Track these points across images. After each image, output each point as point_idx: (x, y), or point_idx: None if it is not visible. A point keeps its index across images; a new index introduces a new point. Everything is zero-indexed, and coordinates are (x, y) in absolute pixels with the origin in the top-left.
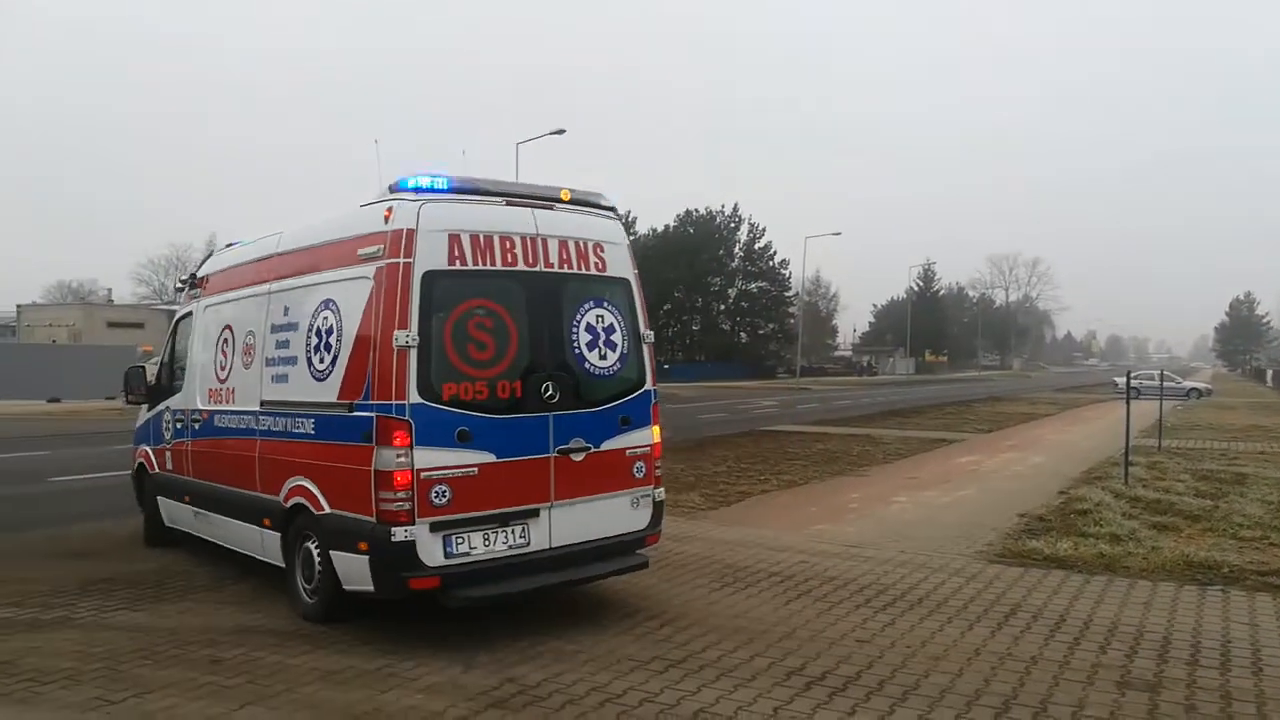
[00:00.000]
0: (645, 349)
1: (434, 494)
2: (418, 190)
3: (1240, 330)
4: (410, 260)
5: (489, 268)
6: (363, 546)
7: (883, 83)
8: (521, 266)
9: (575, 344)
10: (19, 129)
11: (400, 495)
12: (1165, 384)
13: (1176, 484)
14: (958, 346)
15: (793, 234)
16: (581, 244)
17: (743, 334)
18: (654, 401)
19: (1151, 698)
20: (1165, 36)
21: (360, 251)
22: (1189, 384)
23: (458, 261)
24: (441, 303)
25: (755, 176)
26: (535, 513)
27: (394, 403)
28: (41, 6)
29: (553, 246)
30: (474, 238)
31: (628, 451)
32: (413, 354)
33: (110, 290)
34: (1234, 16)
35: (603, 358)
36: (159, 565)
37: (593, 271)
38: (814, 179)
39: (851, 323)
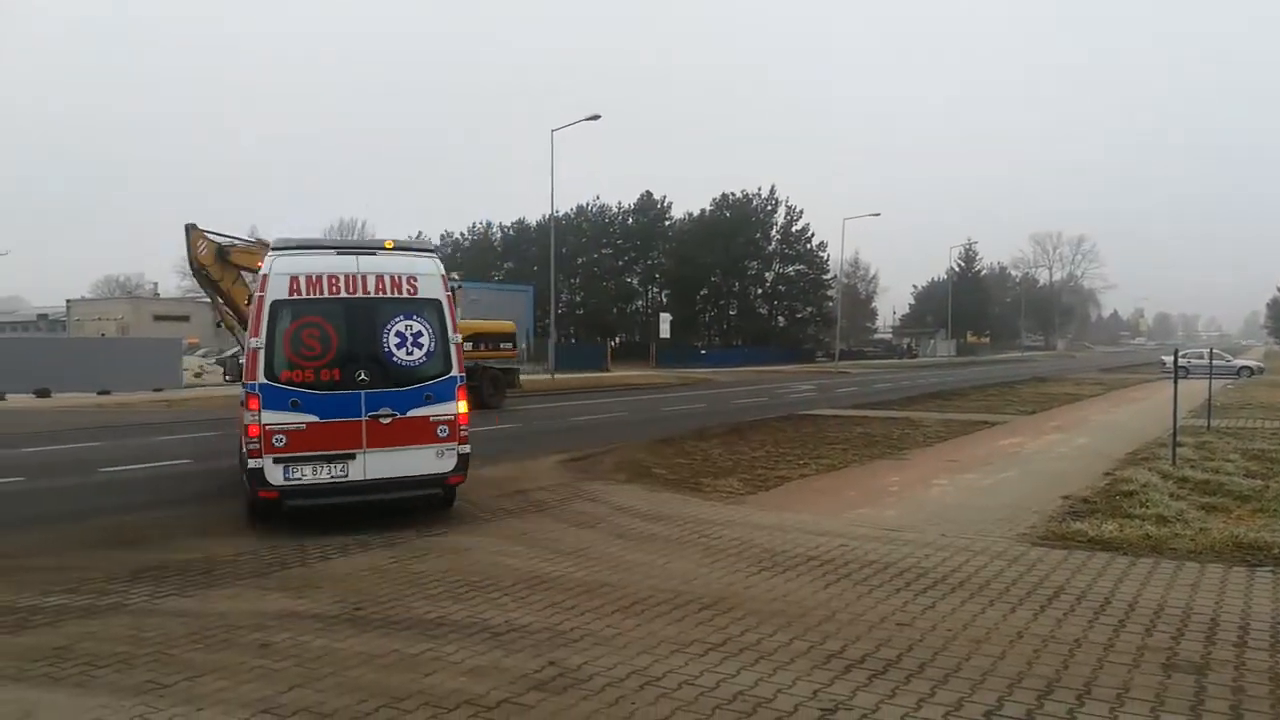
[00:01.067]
0: (453, 348)
1: (275, 440)
2: (275, 249)
3: None
4: (264, 294)
5: (317, 296)
6: (242, 470)
7: (921, 63)
8: (343, 294)
9: (386, 345)
10: (54, 135)
11: (253, 440)
12: (1215, 362)
13: (1226, 464)
14: (1000, 327)
15: (831, 216)
16: (396, 277)
17: (780, 318)
18: (459, 385)
19: (1198, 680)
20: (1216, 7)
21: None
22: (1239, 362)
23: (295, 293)
24: (282, 319)
25: (793, 159)
26: (352, 455)
27: (250, 382)
28: (41, 6)
29: (370, 280)
30: (308, 278)
31: (431, 418)
32: (261, 353)
33: (156, 284)
34: None
35: (409, 354)
36: (208, 554)
37: (404, 295)
38: (854, 161)
39: (891, 305)
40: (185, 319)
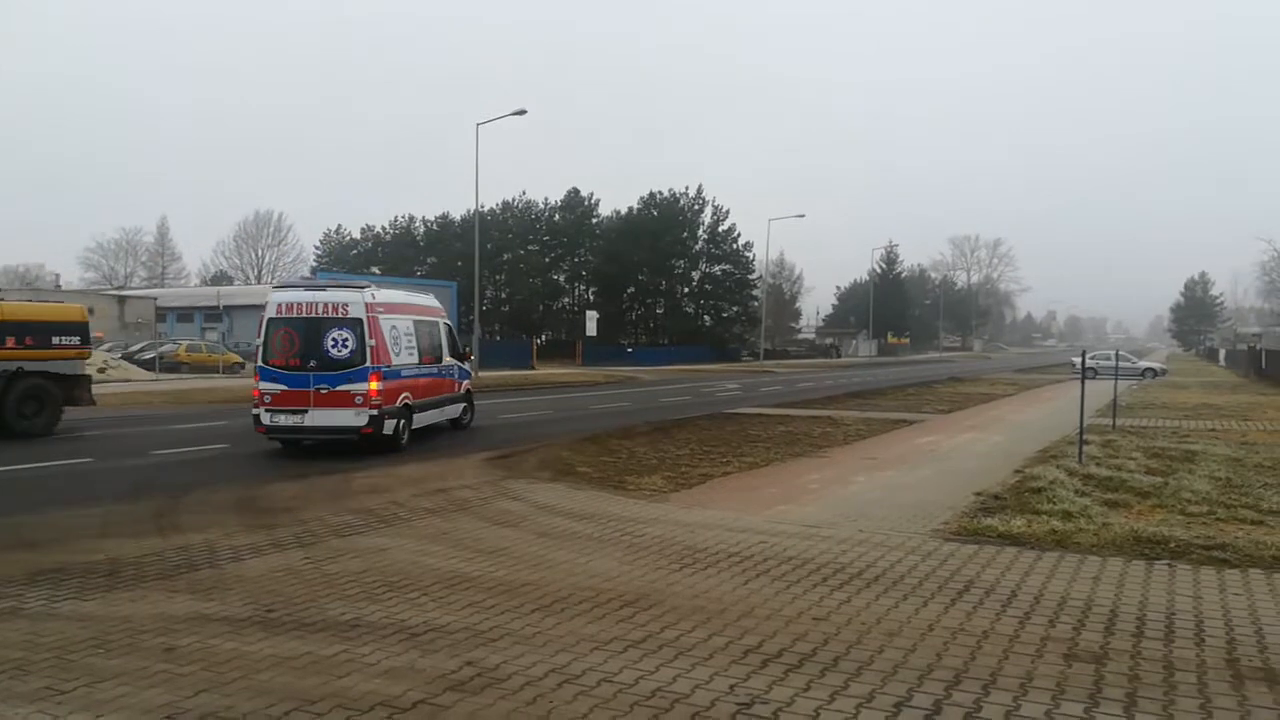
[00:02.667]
0: (368, 349)
1: (264, 398)
2: (275, 287)
3: (1194, 310)
4: (264, 314)
5: (291, 315)
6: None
7: (849, 60)
8: (304, 315)
9: (325, 346)
10: None
11: (255, 398)
12: (1121, 364)
13: (1129, 462)
14: (920, 328)
15: (757, 216)
16: (334, 304)
17: (706, 317)
18: (370, 372)
19: (1097, 669)
20: (1126, 19)
21: None
22: (1144, 364)
23: (279, 313)
24: (270, 329)
25: (720, 159)
26: (304, 410)
27: (257, 365)
28: None
29: (319, 306)
30: (287, 304)
31: (351, 391)
32: (261, 349)
33: (58, 275)
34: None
35: (339, 352)
36: (111, 555)
37: (338, 316)
38: (778, 161)
39: (815, 305)
40: (89, 312)
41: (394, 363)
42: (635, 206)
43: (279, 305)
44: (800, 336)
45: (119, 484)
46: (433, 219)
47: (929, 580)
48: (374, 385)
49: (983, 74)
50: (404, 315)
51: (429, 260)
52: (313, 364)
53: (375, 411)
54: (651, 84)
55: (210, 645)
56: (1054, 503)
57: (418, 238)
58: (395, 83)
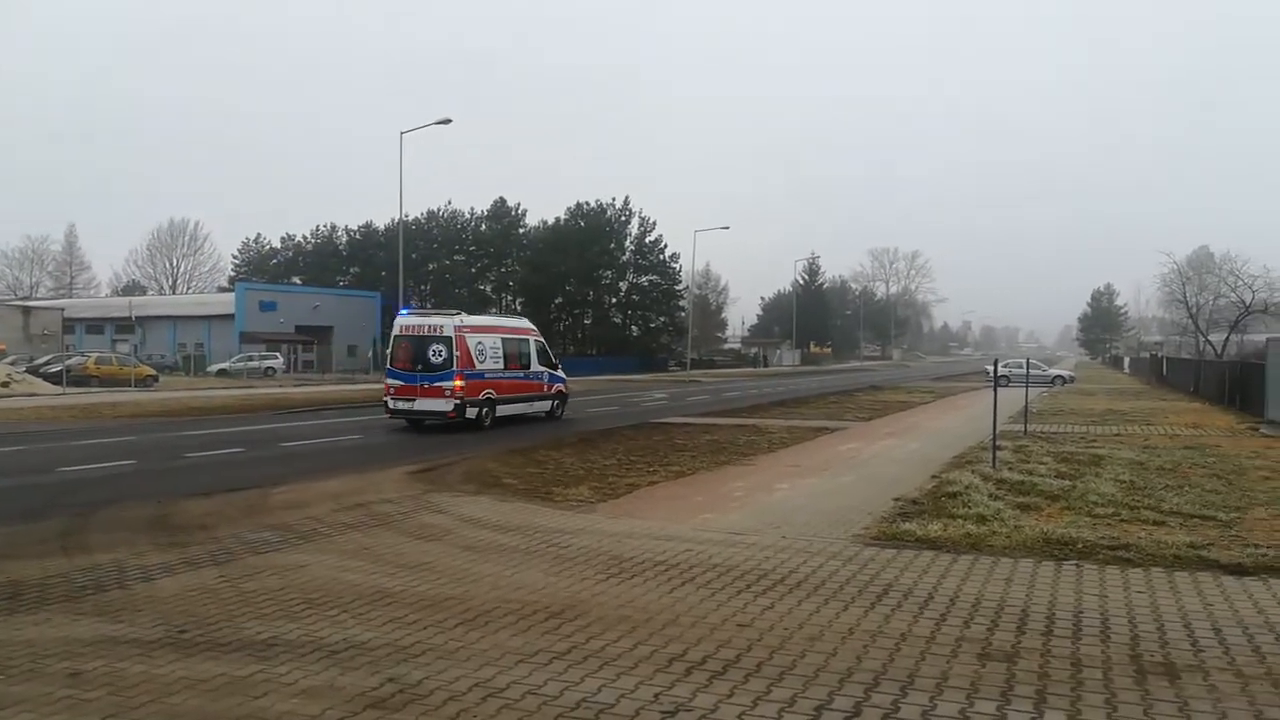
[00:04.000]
0: (455, 357)
1: (391, 389)
2: (400, 312)
3: (1100, 320)
4: (394, 332)
5: (407, 334)
6: None
7: (772, 72)
8: (415, 334)
9: (427, 355)
10: None
11: (386, 391)
12: (1032, 372)
13: (1039, 466)
14: (841, 338)
15: (683, 228)
16: (433, 326)
17: (634, 327)
18: (456, 374)
19: (1009, 667)
20: (1034, 43)
21: None
22: (1054, 371)
23: (401, 331)
24: (395, 343)
25: (646, 170)
26: (414, 399)
27: (386, 367)
28: None
29: (425, 327)
30: (405, 325)
31: (442, 386)
32: (389, 355)
33: None
34: (1103, 15)
35: (435, 359)
36: (12, 577)
37: (436, 334)
38: (704, 173)
39: (741, 315)
40: None
41: (478, 368)
42: (563, 217)
43: (400, 326)
44: (726, 346)
45: (22, 503)
46: (356, 228)
47: (849, 585)
48: (458, 383)
49: (907, 95)
50: (491, 334)
51: (352, 270)
52: (419, 367)
53: (458, 401)
54: (582, 97)
55: (118, 669)
56: (969, 507)
57: (340, 247)
58: (317, 89)
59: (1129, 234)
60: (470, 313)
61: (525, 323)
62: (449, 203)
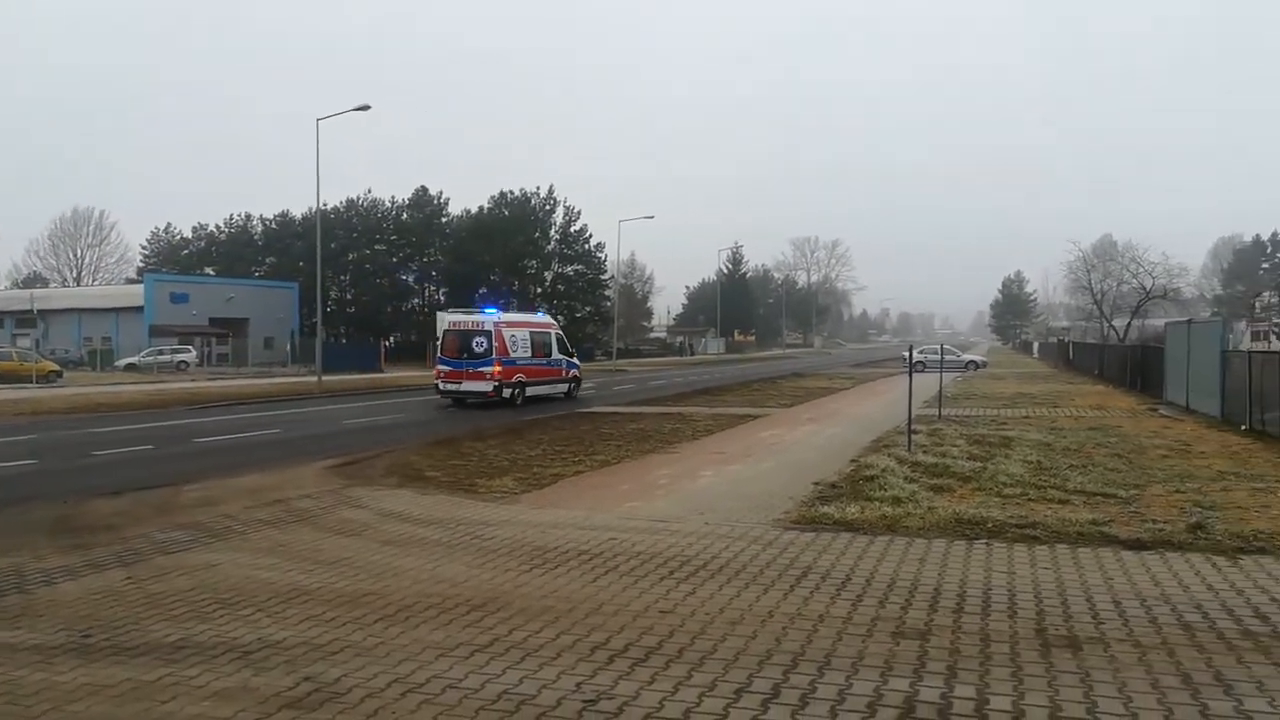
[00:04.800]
0: (495, 347)
1: (441, 375)
2: (449, 312)
3: (1011, 307)
4: (444, 326)
5: (455, 329)
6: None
7: (694, 68)
8: (462, 328)
9: (471, 346)
10: None
11: (435, 376)
12: (946, 358)
13: (952, 449)
14: (765, 326)
15: (608, 217)
16: (476, 322)
17: (560, 317)
18: (494, 361)
19: (921, 645)
20: (957, 36)
21: None
22: (967, 357)
23: (450, 326)
24: (445, 336)
25: (572, 159)
26: (460, 382)
27: (437, 355)
28: None
29: (469, 323)
30: (454, 322)
31: (483, 371)
32: (439, 346)
33: None
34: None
35: (478, 349)
36: None
37: (478, 329)
38: (628, 162)
39: (666, 305)
40: None
41: (512, 356)
42: (486, 206)
43: (449, 322)
44: (653, 335)
45: None
46: (271, 217)
47: (770, 568)
48: (496, 369)
49: (823, 80)
50: (521, 328)
51: (268, 260)
52: (465, 355)
53: (497, 383)
54: (503, 84)
55: (16, 677)
56: (885, 490)
57: (255, 237)
58: (231, 73)
59: (1039, 223)
60: (455, 309)
61: (548, 319)
62: (369, 191)
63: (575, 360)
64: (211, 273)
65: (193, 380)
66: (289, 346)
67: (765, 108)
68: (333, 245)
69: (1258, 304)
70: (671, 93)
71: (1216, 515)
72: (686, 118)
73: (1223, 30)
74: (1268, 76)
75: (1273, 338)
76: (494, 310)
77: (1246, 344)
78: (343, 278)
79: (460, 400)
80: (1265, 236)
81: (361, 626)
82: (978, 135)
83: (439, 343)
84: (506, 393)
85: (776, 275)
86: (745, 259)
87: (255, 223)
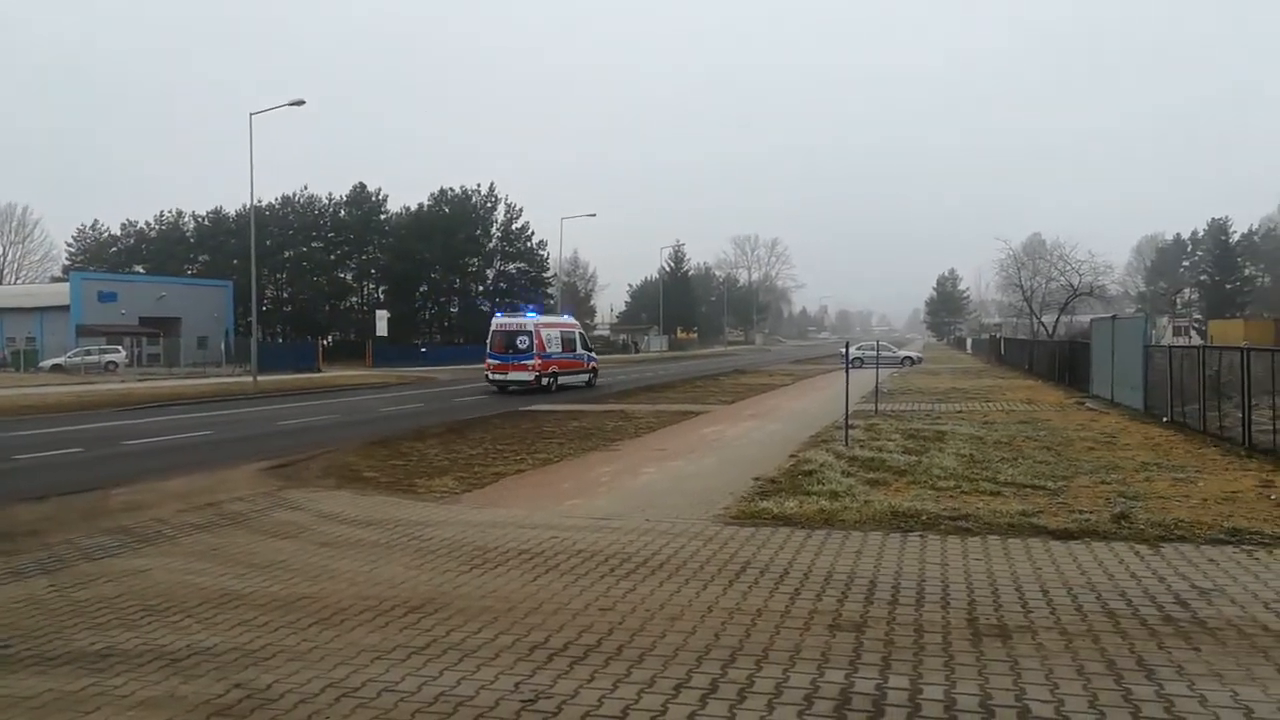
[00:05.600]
0: (535, 344)
1: (490, 367)
2: (496, 315)
3: (945, 304)
4: (492, 328)
5: (502, 329)
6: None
7: (629, 58)
8: (507, 328)
9: (515, 343)
10: None
11: (486, 370)
12: (883, 354)
13: (888, 443)
14: (707, 323)
15: (550, 215)
16: (519, 324)
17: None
18: (534, 355)
19: (857, 637)
20: (885, 33)
21: None
22: (903, 353)
23: (498, 327)
24: (492, 335)
25: (512, 159)
26: (506, 373)
27: (487, 351)
28: None
29: (513, 324)
30: (501, 323)
31: (526, 363)
32: (489, 344)
33: None
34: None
35: (521, 346)
36: None
37: (521, 329)
38: (571, 162)
39: (609, 302)
40: None
41: (548, 351)
42: (426, 203)
43: (496, 324)
44: (596, 333)
45: None
46: (204, 214)
47: (710, 564)
48: (536, 362)
49: (766, 65)
50: (554, 328)
51: (201, 258)
52: (510, 351)
53: (536, 374)
54: (446, 81)
55: None
56: (823, 484)
57: (188, 234)
58: (161, 67)
59: (972, 223)
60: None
61: (573, 320)
62: (306, 188)
63: (593, 355)
64: (142, 271)
65: (122, 381)
66: (223, 346)
67: (704, 105)
68: (268, 243)
69: (1179, 300)
70: (622, 91)
71: (1140, 505)
72: (635, 115)
73: (1155, 32)
74: (1182, 81)
75: (1193, 333)
76: (534, 313)
77: (1168, 339)
78: (279, 276)
79: (504, 387)
80: (1186, 235)
81: (296, 631)
82: (919, 135)
83: (488, 341)
84: (544, 381)
85: (718, 273)
86: (687, 257)
87: (187, 219)
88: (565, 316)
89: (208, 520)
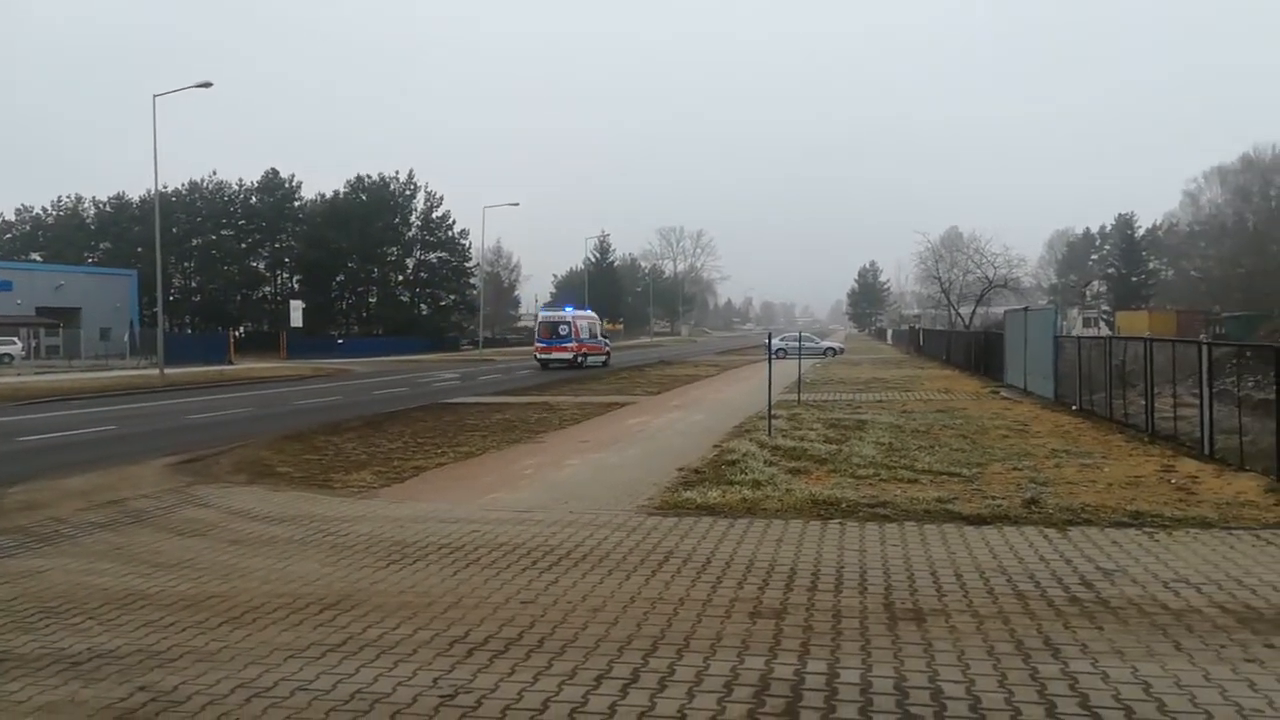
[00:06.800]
0: (573, 331)
1: (539, 349)
2: (540, 309)
3: (867, 295)
4: (538, 320)
5: (546, 320)
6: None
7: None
8: (550, 320)
9: (558, 333)
10: None
11: (535, 351)
12: (805, 345)
13: (810, 432)
14: (633, 314)
15: (472, 205)
16: (560, 317)
17: (423, 305)
18: (572, 340)
19: (777, 623)
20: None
21: None
22: (826, 344)
23: (543, 319)
24: (539, 325)
25: (436, 143)
26: (550, 354)
27: (537, 338)
28: None
29: (555, 317)
30: (545, 316)
31: (567, 346)
32: (536, 332)
33: None
34: None
35: (564, 335)
36: None
37: (563, 320)
38: (494, 151)
39: (534, 293)
40: None
41: (581, 337)
42: (342, 190)
43: (542, 317)
44: (521, 325)
45: None
46: (106, 200)
47: (632, 554)
48: (574, 345)
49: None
50: (584, 320)
51: (103, 246)
52: (554, 336)
53: (573, 355)
54: (359, 61)
55: None
56: (746, 473)
57: (88, 220)
58: (59, 42)
59: (893, 215)
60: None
61: (593, 313)
62: (214, 173)
63: (608, 340)
64: (38, 258)
65: (18, 374)
66: (127, 338)
67: (630, 91)
68: (175, 230)
69: (1088, 292)
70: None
71: (1049, 491)
72: (554, 103)
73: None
74: (1090, 80)
75: (1102, 324)
76: (570, 308)
77: (1078, 330)
78: (187, 265)
79: (547, 364)
80: (1095, 229)
81: (204, 631)
82: (841, 124)
83: (535, 329)
84: (579, 360)
85: (644, 264)
86: (613, 248)
87: (87, 205)
88: (588, 311)
89: (110, 518)
